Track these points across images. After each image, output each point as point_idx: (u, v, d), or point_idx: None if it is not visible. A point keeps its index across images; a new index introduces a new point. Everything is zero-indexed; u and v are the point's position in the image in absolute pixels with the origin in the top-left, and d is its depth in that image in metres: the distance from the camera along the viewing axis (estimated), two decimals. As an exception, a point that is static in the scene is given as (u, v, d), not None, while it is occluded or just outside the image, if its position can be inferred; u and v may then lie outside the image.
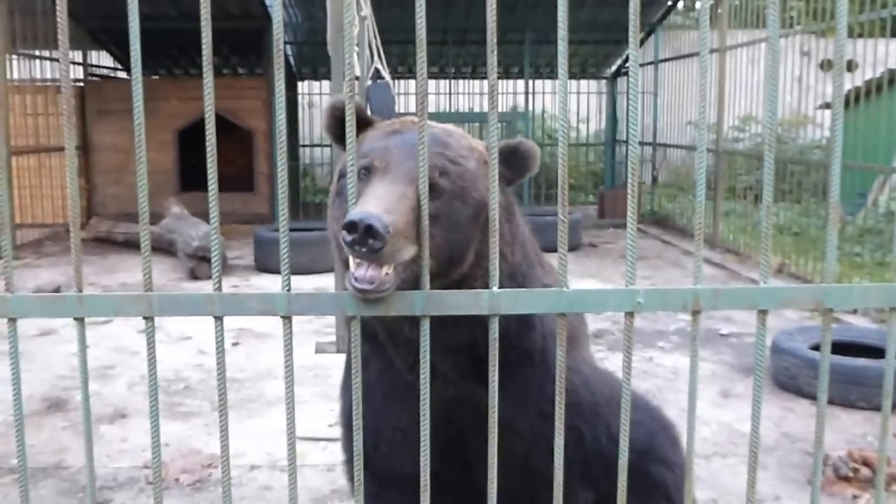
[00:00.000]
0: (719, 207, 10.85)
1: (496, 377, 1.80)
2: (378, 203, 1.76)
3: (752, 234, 10.09)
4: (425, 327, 1.83)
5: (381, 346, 2.22)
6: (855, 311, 6.80)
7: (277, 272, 1.81)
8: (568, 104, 1.82)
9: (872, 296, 1.86)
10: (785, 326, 6.02)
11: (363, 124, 2.12)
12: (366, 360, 2.26)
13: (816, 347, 5.06)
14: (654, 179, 14.22)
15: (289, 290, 1.81)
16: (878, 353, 5.11)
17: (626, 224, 1.77)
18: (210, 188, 1.74)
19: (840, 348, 5.06)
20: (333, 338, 6.26)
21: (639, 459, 2.35)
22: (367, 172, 1.95)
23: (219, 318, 1.85)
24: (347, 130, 1.76)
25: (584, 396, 2.32)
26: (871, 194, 10.57)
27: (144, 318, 1.77)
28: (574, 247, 10.69)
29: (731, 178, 11.73)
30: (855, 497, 3.57)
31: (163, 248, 9.70)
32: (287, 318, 1.85)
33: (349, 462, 2.58)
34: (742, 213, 10.98)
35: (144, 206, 1.73)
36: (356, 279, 1.75)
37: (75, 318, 1.74)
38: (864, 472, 3.72)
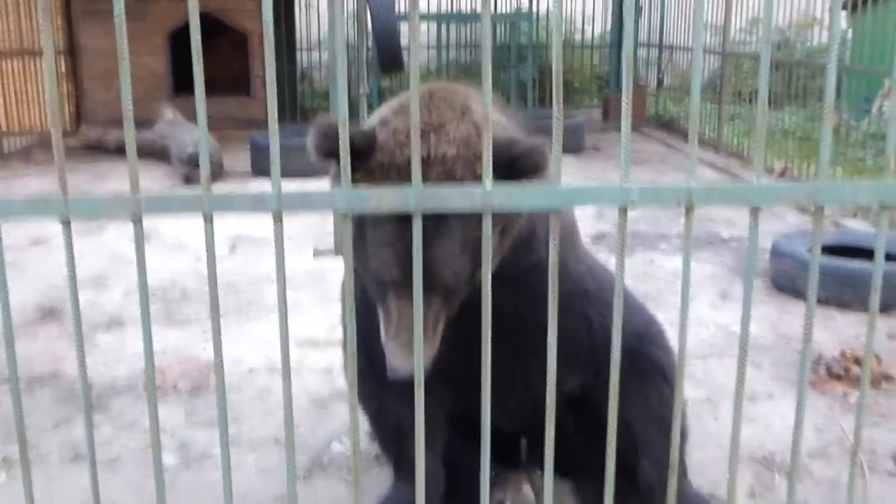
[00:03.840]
0: (724, 111, 10.71)
1: (489, 274, 1.80)
2: (407, 347, 1.98)
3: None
4: (418, 224, 1.82)
5: None
6: (855, 216, 6.79)
7: (275, 176, 1.78)
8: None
9: (864, 192, 1.84)
10: (786, 230, 6.02)
11: (359, 153, 1.96)
12: None
13: (815, 250, 5.07)
14: (660, 82, 14.02)
15: (279, 187, 1.78)
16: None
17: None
18: (196, 76, 1.70)
19: (839, 251, 5.07)
20: (332, 243, 6.27)
21: (638, 342, 2.50)
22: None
23: (209, 218, 1.83)
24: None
25: (590, 285, 2.41)
26: (877, 100, 10.41)
27: (133, 219, 1.74)
28: (577, 150, 10.61)
29: (738, 81, 11.54)
30: (845, 395, 3.64)
31: (156, 154, 9.57)
32: (278, 216, 1.83)
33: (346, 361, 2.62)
34: (748, 116, 10.84)
35: (128, 100, 1.69)
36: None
37: (61, 221, 1.71)
38: (856, 370, 3.77)
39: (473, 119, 2.06)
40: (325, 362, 4.17)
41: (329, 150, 1.91)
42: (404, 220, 1.90)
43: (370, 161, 1.99)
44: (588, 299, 2.38)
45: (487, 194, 1.76)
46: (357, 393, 2.74)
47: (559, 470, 2.67)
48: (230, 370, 4.01)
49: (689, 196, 1.73)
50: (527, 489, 2.77)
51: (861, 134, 9.02)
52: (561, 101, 1.73)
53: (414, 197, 1.79)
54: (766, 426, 3.46)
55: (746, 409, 3.50)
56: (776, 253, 5.23)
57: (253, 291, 5.36)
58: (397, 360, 1.96)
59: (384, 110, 2.16)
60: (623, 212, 1.77)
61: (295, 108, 13.01)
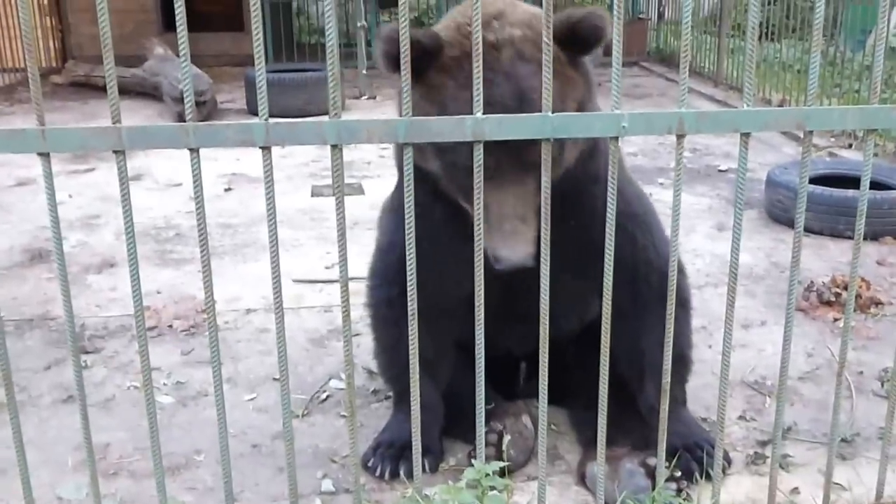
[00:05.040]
0: (724, 44, 10.57)
1: (481, 198, 1.79)
2: (512, 235, 2.02)
3: (758, 72, 9.89)
4: (409, 155, 1.80)
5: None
6: (850, 146, 6.74)
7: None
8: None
9: (851, 117, 1.83)
10: (781, 161, 5.99)
11: (428, 52, 2.06)
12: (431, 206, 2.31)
13: (811, 181, 5.06)
14: (661, 15, 13.79)
15: (267, 118, 1.75)
16: (870, 186, 5.12)
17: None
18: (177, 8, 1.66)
19: (832, 181, 5.06)
20: (330, 181, 6.22)
21: (666, 268, 2.53)
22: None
23: (195, 151, 1.80)
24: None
25: (636, 207, 2.56)
26: (874, 32, 10.27)
27: (115, 151, 1.72)
28: (577, 85, 10.49)
29: (739, 14, 11.38)
30: (836, 320, 3.67)
31: (147, 91, 9.40)
32: (266, 149, 1.80)
33: (377, 287, 2.73)
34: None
35: (106, 28, 1.65)
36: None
37: (39, 154, 1.67)
38: (847, 296, 3.78)
39: (524, 7, 2.20)
40: (324, 300, 4.15)
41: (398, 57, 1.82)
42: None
43: (441, 58, 2.06)
44: (636, 220, 2.52)
45: (478, 122, 1.74)
46: (378, 319, 2.76)
47: (559, 400, 2.70)
48: (227, 310, 3.99)
49: (680, 122, 1.71)
50: (525, 419, 2.79)
51: (857, 66, 8.90)
52: (551, 26, 1.69)
53: (404, 128, 1.76)
54: (759, 352, 3.50)
55: (740, 336, 3.54)
56: (771, 183, 5.22)
57: (249, 231, 5.32)
58: (504, 250, 2.01)
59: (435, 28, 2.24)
60: (615, 140, 1.75)
61: (291, 44, 12.74)
